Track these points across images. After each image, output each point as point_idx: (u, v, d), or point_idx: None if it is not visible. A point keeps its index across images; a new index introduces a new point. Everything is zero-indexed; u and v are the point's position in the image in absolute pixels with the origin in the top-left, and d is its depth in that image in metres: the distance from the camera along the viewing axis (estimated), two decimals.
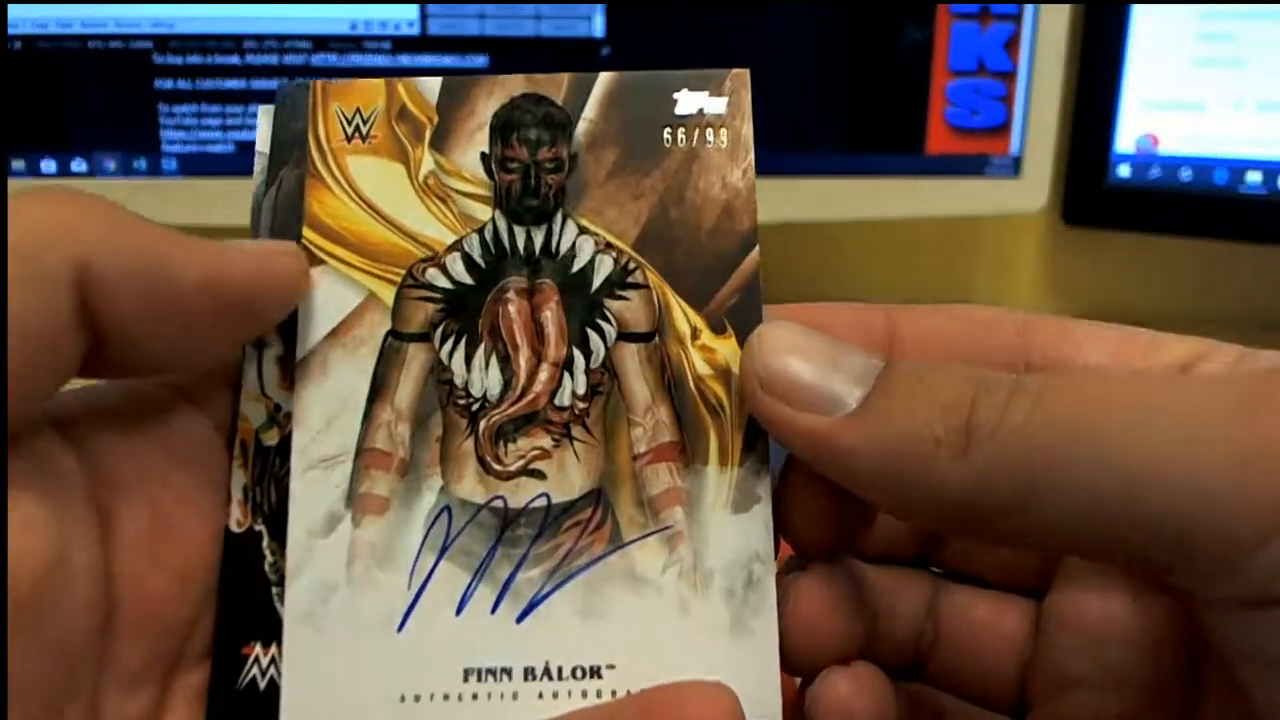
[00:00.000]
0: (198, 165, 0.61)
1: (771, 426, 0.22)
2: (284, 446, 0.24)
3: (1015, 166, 0.65)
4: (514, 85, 0.25)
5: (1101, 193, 0.70)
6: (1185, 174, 0.68)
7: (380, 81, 0.25)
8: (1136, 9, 0.67)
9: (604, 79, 0.25)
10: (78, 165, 0.61)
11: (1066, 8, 0.63)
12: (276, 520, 0.23)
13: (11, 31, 0.58)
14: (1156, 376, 0.20)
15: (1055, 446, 0.19)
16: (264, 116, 0.25)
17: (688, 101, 0.25)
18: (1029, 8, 0.62)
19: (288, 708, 0.22)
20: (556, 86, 0.25)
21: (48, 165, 0.61)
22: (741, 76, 0.25)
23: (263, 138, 0.25)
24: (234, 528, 0.23)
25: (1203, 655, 0.24)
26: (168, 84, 0.60)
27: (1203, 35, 0.66)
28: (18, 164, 0.60)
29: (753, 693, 0.22)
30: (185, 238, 0.20)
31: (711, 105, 0.25)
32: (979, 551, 0.27)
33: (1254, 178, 0.67)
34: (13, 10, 0.57)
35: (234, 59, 0.60)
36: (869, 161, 0.64)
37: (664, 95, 0.25)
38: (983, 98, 0.63)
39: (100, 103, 0.60)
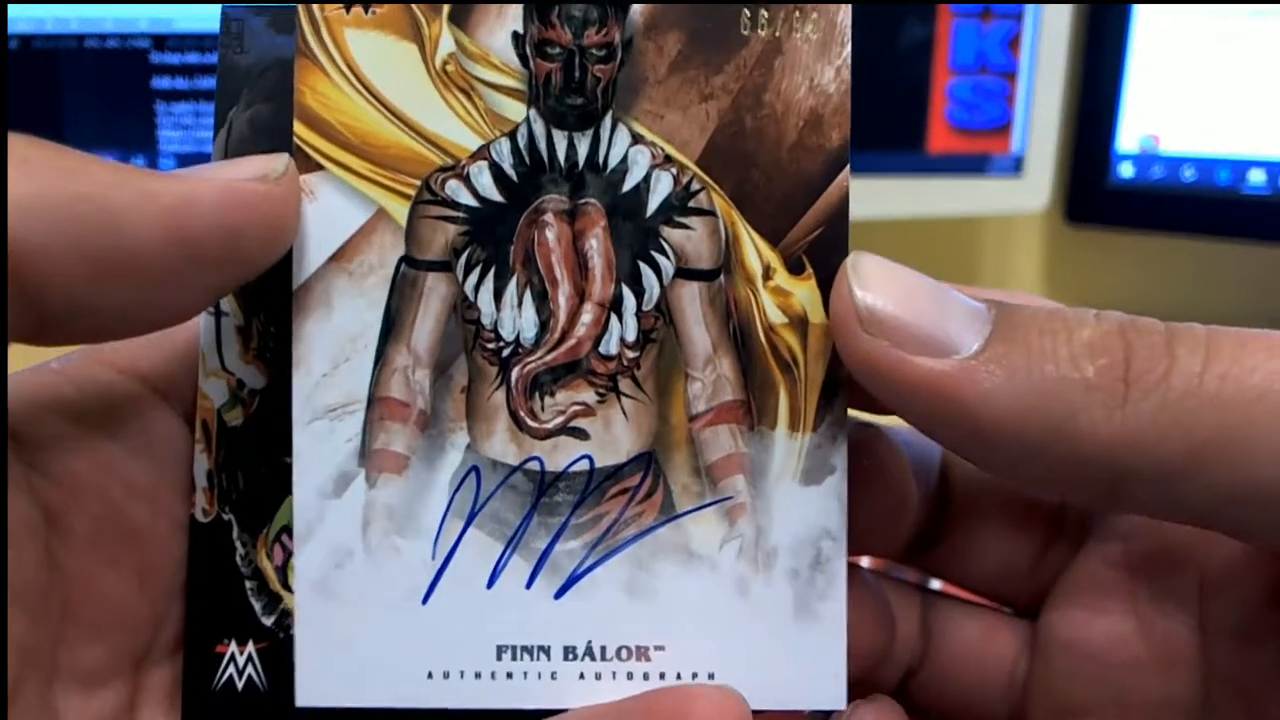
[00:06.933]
0: (195, 164, 0.61)
1: (874, 373, 0.18)
2: (250, 427, 0.21)
3: (1017, 166, 0.64)
4: None
5: (1104, 192, 0.70)
6: (1188, 173, 0.68)
7: None
8: (1139, 8, 0.66)
9: None
10: None
11: (1069, 6, 0.62)
12: (246, 508, 0.21)
13: (9, 30, 0.57)
14: None
15: (1245, 401, 0.17)
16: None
17: None
18: (1031, 6, 0.61)
19: (302, 683, 0.20)
20: None
21: None
22: None
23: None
24: (200, 517, 0.21)
25: (1214, 676, 0.22)
26: (165, 83, 0.59)
27: (1205, 34, 0.66)
28: None
29: (816, 681, 0.20)
30: (140, 178, 0.17)
31: None
32: (972, 557, 0.25)
33: (1257, 177, 0.66)
34: (10, 9, 0.57)
35: None
36: (869, 160, 0.63)
37: None
38: (984, 96, 0.63)
39: (97, 101, 0.60)
